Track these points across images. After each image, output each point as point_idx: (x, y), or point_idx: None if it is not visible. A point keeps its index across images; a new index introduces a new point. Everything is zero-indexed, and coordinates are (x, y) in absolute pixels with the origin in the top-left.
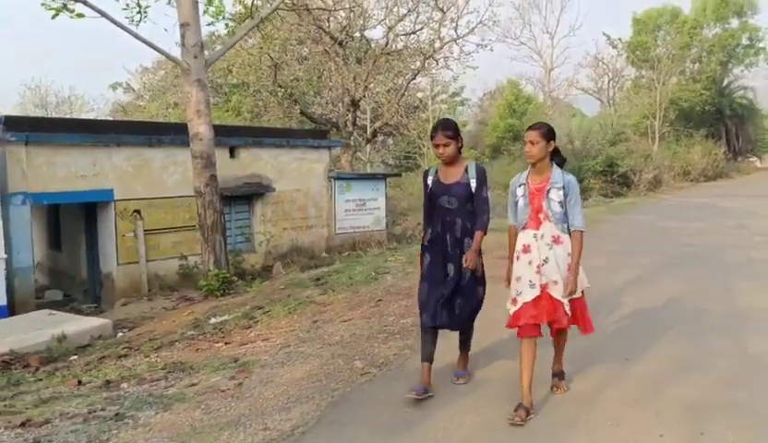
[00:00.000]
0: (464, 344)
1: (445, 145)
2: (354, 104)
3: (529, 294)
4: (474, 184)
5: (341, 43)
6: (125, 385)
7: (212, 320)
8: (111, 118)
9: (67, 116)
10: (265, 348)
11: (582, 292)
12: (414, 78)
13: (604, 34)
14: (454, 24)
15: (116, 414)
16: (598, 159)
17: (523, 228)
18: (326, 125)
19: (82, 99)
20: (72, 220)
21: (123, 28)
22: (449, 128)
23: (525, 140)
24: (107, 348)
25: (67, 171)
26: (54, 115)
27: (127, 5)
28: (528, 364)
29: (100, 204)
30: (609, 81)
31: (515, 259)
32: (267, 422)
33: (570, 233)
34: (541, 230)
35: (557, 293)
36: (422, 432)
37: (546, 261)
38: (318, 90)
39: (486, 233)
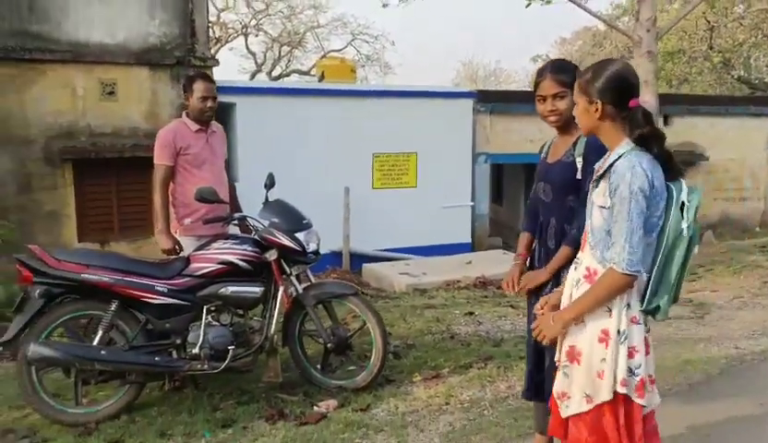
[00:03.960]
0: None
1: (557, 97)
2: None
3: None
4: (580, 164)
5: None
6: None
7: None
8: (520, 89)
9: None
10: (716, 296)
11: (611, 407)
12: None
13: None
14: None
15: None
16: None
17: None
18: (765, 91)
19: (506, 73)
20: (513, 178)
21: (582, 7)
22: (563, 70)
23: None
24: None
25: (519, 136)
26: (483, 88)
27: None
28: None
29: None
30: None
31: None
32: (736, 344)
33: None
34: (581, 255)
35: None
36: None
37: None
38: (756, 54)
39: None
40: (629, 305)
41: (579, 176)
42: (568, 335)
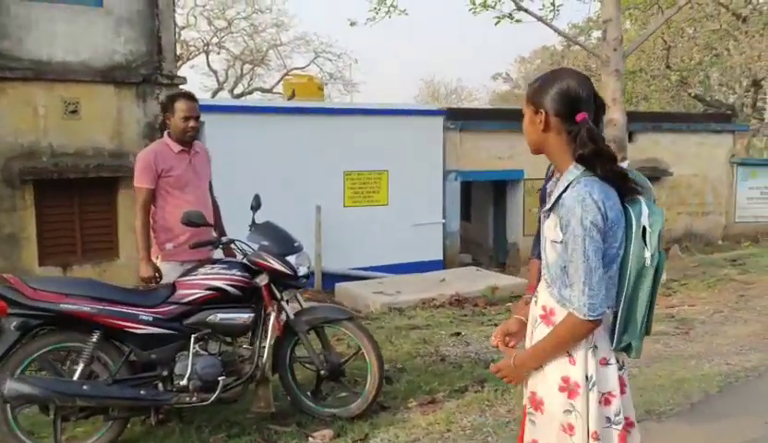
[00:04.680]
0: None
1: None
2: (756, 85)
3: None
4: None
5: (744, 19)
6: None
7: None
8: (490, 107)
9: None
10: (695, 311)
11: None
12: None
13: None
14: None
15: None
16: None
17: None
18: (719, 108)
19: (467, 90)
20: (482, 195)
21: (551, 27)
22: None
23: None
24: None
25: (488, 153)
26: (445, 105)
27: (543, 4)
28: None
29: (510, 182)
30: None
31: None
32: (727, 360)
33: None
34: (539, 289)
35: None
36: None
37: None
38: (710, 72)
39: None
40: (595, 347)
41: None
42: (530, 379)
